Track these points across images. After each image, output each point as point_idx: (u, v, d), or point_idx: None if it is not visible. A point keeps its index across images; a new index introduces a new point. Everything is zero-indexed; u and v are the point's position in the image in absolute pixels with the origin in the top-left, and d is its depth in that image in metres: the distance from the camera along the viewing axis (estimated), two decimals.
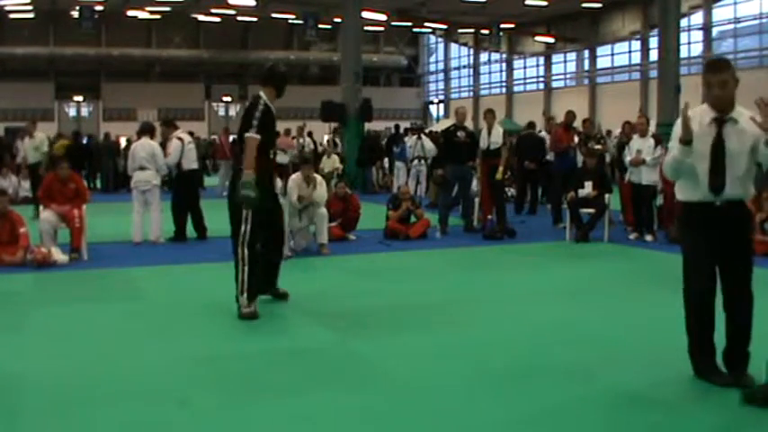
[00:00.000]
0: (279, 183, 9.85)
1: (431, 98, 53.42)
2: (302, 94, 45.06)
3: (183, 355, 5.41)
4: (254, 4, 34.28)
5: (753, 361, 4.54)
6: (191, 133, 24.23)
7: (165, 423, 4.16)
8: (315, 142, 23.32)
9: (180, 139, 11.01)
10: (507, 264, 9.54)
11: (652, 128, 12.33)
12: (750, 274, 4.59)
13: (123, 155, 20.21)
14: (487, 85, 47.89)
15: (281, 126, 26.89)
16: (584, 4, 36.57)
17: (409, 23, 43.81)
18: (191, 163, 11.08)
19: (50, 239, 9.39)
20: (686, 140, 4.44)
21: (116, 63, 45.97)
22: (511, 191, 16.38)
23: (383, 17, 36.59)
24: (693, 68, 33.13)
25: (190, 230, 11.10)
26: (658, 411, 4.26)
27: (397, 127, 22.50)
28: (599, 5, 36.85)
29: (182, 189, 11.14)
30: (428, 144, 16.62)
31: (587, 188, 11.01)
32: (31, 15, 40.90)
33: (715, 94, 4.45)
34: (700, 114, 4.52)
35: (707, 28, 33.74)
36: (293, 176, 10.20)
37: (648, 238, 10.73)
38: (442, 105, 51.44)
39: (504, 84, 46.31)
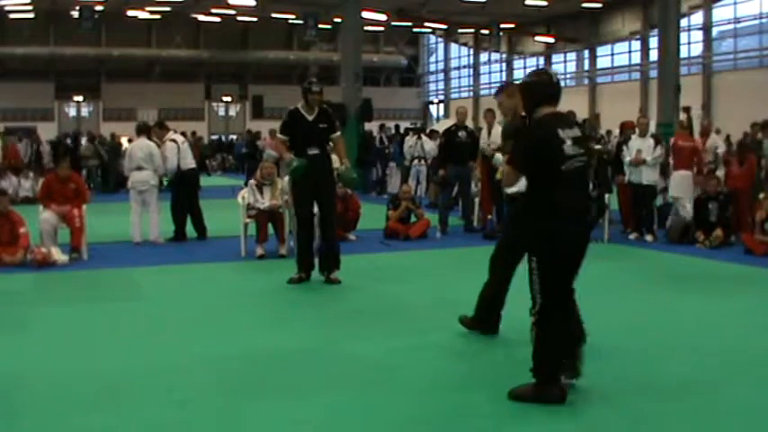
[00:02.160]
0: (279, 182, 9.89)
1: (431, 98, 53.41)
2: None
3: (184, 355, 5.41)
4: (254, 4, 34.25)
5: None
6: (193, 133, 24.07)
7: (166, 423, 4.16)
8: None
9: (174, 140, 10.97)
10: None
11: (652, 128, 12.34)
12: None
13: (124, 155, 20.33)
14: (487, 85, 47.83)
15: (278, 125, 26.59)
16: (584, 4, 36.55)
17: (409, 23, 43.78)
18: (188, 163, 11.02)
19: (50, 239, 9.38)
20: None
21: (116, 63, 45.93)
22: None
23: (383, 17, 36.57)
24: (693, 68, 33.13)
25: (190, 230, 11.10)
26: (655, 408, 4.27)
27: (396, 127, 22.48)
28: (599, 5, 36.83)
29: (180, 189, 11.11)
30: (428, 145, 16.63)
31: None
32: (31, 15, 40.86)
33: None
34: None
35: (707, 28, 33.72)
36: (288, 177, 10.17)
37: (648, 238, 10.73)
38: (441, 105, 51.44)
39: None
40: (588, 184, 4.67)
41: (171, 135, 11.10)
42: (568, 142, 4.30)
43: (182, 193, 11.05)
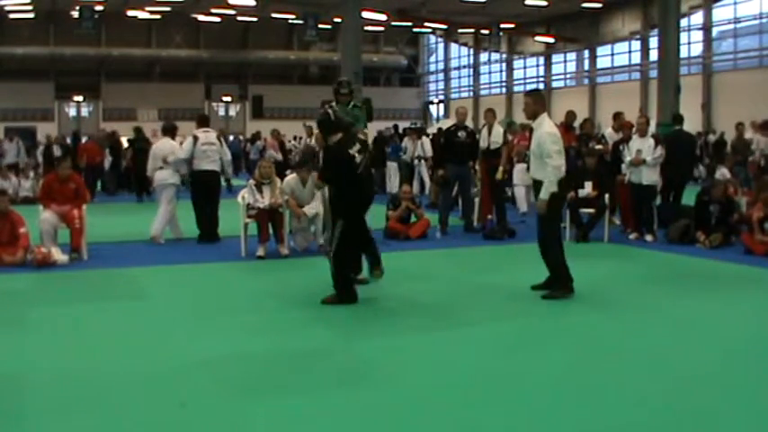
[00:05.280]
0: (278, 183, 9.89)
1: (431, 98, 53.43)
2: (302, 94, 45.14)
3: (184, 355, 5.41)
4: (254, 4, 34.27)
5: None
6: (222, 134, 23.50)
7: (165, 423, 4.16)
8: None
9: (195, 137, 10.88)
10: (507, 264, 9.52)
11: (652, 128, 12.32)
12: (543, 231, 7.20)
13: (124, 154, 20.16)
14: (487, 85, 47.90)
15: (278, 126, 26.45)
16: (584, 4, 36.57)
17: (409, 23, 43.82)
18: (201, 163, 10.84)
19: (50, 239, 9.38)
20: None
21: (116, 63, 45.97)
22: (511, 191, 16.35)
23: (383, 17, 36.61)
24: (693, 68, 33.15)
25: (193, 230, 11.03)
26: (655, 407, 4.27)
27: (395, 127, 22.46)
28: (599, 5, 36.85)
29: (194, 189, 11.02)
30: (428, 144, 16.68)
31: (587, 188, 11.00)
32: (31, 15, 40.89)
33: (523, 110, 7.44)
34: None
35: (707, 28, 33.74)
36: (288, 178, 10.18)
37: (648, 238, 10.72)
38: (441, 105, 51.46)
39: (504, 84, 46.32)
40: (371, 174, 7.37)
41: (197, 132, 11.00)
42: (356, 154, 6.76)
43: (196, 193, 10.98)
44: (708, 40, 33.81)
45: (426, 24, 43.06)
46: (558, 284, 7.13)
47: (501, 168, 11.66)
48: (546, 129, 7.13)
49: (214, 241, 10.82)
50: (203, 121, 11.51)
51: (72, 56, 44.20)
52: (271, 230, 9.65)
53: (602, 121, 31.12)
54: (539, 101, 7.35)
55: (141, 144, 18.57)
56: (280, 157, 18.88)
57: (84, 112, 45.81)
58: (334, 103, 8.19)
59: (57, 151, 20.23)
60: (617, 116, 13.02)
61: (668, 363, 5.22)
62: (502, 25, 38.73)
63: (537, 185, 7.17)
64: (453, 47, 51.07)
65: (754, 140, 17.28)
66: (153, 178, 11.19)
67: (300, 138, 23.85)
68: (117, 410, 4.31)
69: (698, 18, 33.93)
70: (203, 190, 10.93)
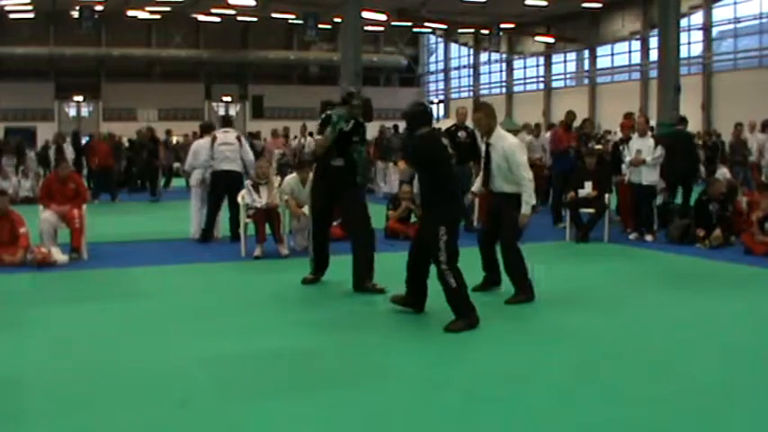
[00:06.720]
0: (275, 183, 9.89)
1: (431, 98, 53.41)
2: (302, 94, 45.13)
3: (183, 355, 5.41)
4: (254, 4, 34.29)
5: None
6: (253, 134, 23.24)
7: (166, 423, 4.16)
8: None
9: (214, 137, 10.93)
10: None
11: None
12: (507, 239, 7.21)
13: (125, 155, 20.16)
14: (487, 85, 47.90)
15: (278, 126, 26.37)
16: (584, 4, 36.57)
17: (409, 23, 43.83)
18: (219, 164, 10.78)
19: (50, 239, 9.38)
20: None
21: (116, 63, 45.96)
22: None
23: (383, 17, 36.62)
24: (693, 68, 33.15)
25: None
26: (656, 407, 4.27)
27: (395, 127, 22.44)
28: (599, 5, 36.85)
29: (212, 189, 10.93)
30: None
31: (587, 188, 11.00)
32: (31, 15, 40.90)
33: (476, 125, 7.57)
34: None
35: (707, 28, 33.74)
36: (288, 178, 10.16)
37: (648, 238, 10.72)
38: (442, 105, 51.45)
39: (504, 84, 46.33)
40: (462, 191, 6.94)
41: (218, 132, 11.11)
42: (448, 144, 6.53)
43: (214, 193, 10.89)
44: (708, 40, 33.81)
45: (426, 24, 43.10)
46: (521, 289, 7.07)
47: None
48: (511, 140, 7.14)
49: (236, 241, 10.49)
50: (225, 123, 11.87)
51: (72, 56, 44.19)
52: (269, 231, 9.64)
53: (602, 121, 31.13)
54: (491, 114, 7.24)
55: (151, 145, 18.60)
56: (282, 151, 18.85)
57: (84, 112, 45.77)
58: (335, 110, 7.79)
59: (68, 149, 19.94)
60: (628, 116, 13.10)
61: (668, 362, 5.22)
62: (502, 25, 38.75)
63: (506, 199, 7.08)
64: (453, 47, 51.08)
65: (752, 140, 17.24)
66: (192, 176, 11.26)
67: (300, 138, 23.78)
68: (116, 410, 4.31)
69: (698, 18, 33.93)
70: (222, 190, 10.88)
